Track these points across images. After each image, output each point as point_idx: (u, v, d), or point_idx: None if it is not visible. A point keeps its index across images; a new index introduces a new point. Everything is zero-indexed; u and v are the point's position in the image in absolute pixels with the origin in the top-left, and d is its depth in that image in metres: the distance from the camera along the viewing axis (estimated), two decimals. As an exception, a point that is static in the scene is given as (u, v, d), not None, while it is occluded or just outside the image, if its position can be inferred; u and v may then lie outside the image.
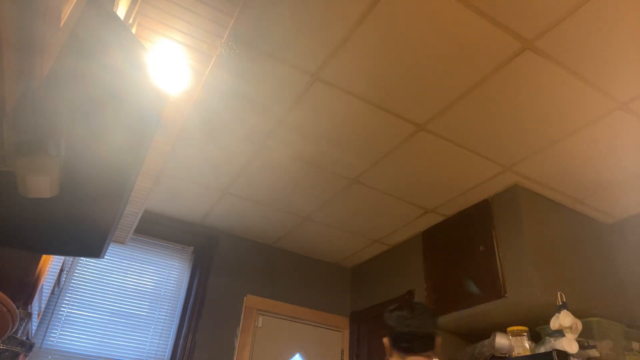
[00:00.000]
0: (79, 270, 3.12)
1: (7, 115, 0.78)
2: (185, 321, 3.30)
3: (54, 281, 2.54)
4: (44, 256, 1.57)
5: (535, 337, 2.59)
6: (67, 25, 0.82)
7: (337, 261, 4.15)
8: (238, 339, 3.40)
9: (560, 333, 2.33)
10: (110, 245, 3.17)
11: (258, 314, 3.59)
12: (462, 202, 3.03)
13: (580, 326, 2.28)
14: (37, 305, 2.01)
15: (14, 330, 1.20)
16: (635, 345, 2.49)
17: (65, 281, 3.02)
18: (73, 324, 2.97)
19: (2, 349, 1.52)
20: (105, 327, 3.06)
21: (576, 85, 2.08)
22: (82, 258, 3.12)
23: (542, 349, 2.37)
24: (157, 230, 3.49)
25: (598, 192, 2.79)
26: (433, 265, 3.18)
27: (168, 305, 3.34)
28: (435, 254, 3.21)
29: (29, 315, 1.71)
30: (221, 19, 1.88)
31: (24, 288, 1.50)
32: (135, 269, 3.33)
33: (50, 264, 1.90)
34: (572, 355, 2.21)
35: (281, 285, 3.81)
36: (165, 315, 3.31)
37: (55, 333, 2.89)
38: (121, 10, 1.46)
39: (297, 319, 3.74)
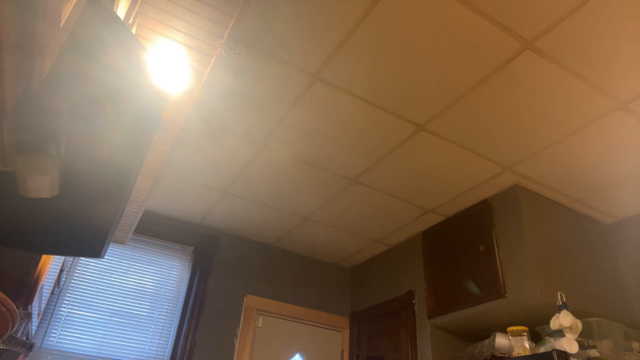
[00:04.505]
0: (79, 270, 3.12)
1: (7, 115, 0.78)
2: (185, 321, 3.30)
3: (54, 281, 2.54)
4: (44, 256, 1.57)
5: (535, 337, 2.59)
6: (67, 25, 0.82)
7: (337, 261, 4.15)
8: (238, 339, 3.40)
9: (560, 333, 2.33)
10: (110, 245, 3.18)
11: (258, 314, 3.59)
12: (462, 202, 3.03)
13: (580, 326, 2.28)
14: (37, 305, 2.01)
15: (14, 330, 1.20)
16: (635, 345, 2.50)
17: (65, 281, 3.02)
18: (73, 324, 2.97)
19: (2, 349, 1.53)
20: (105, 327, 3.06)
21: (576, 85, 2.08)
22: (82, 258, 3.12)
23: (542, 349, 2.37)
24: (157, 230, 3.49)
25: (598, 192, 2.80)
26: (433, 265, 3.18)
27: (168, 305, 3.34)
28: (435, 254, 3.21)
29: (29, 315, 1.71)
30: (221, 19, 1.88)
31: (24, 288, 1.50)
32: (135, 269, 3.33)
33: (50, 264, 1.90)
34: (572, 355, 2.21)
35: (281, 285, 3.81)
36: (165, 315, 3.31)
37: (55, 333, 2.89)
38: (121, 10, 1.46)
39: (297, 319, 3.74)
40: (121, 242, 2.97)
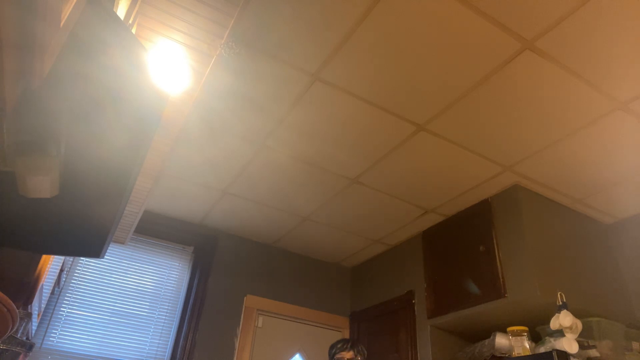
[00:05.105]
0: (79, 270, 3.12)
1: (7, 116, 0.78)
2: (185, 321, 3.30)
3: (54, 281, 2.54)
4: (44, 256, 1.57)
5: (535, 337, 2.59)
6: (67, 25, 0.81)
7: (337, 261, 4.15)
8: (238, 339, 3.40)
9: (560, 333, 2.33)
10: (110, 245, 3.18)
11: (258, 314, 3.59)
12: (462, 202, 3.03)
13: (580, 326, 2.28)
14: (37, 305, 2.01)
15: (14, 330, 1.20)
16: (635, 345, 2.49)
17: (65, 281, 3.02)
18: (73, 324, 2.97)
19: (2, 349, 1.53)
20: (105, 327, 3.06)
21: (576, 85, 2.08)
22: (82, 258, 3.12)
23: (542, 349, 2.37)
24: (157, 230, 3.49)
25: (598, 192, 2.79)
26: (433, 265, 3.18)
27: (168, 305, 3.34)
28: (435, 254, 3.21)
29: (29, 315, 1.72)
30: (221, 19, 1.88)
31: (24, 288, 1.50)
32: (135, 269, 3.33)
33: (50, 264, 1.90)
34: (572, 355, 2.21)
35: (281, 285, 3.81)
36: (165, 315, 3.31)
37: (55, 333, 2.89)
38: (121, 10, 1.46)
39: (297, 319, 3.74)
40: (121, 242, 2.97)
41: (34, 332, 2.55)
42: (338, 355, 2.47)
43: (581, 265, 2.73)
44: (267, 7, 1.85)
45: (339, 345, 2.51)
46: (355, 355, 2.43)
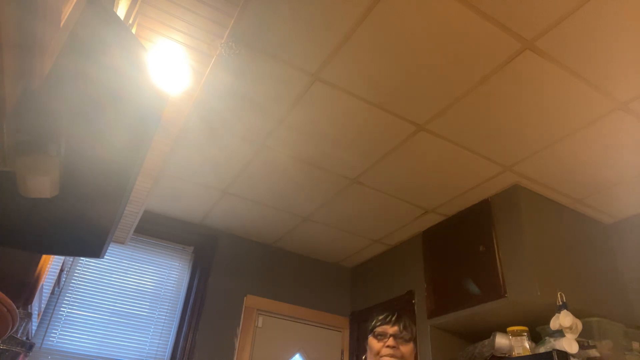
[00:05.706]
0: (79, 270, 3.12)
1: (7, 116, 0.78)
2: (185, 321, 3.30)
3: (54, 281, 2.54)
4: (44, 256, 1.57)
5: (535, 337, 2.59)
6: (67, 25, 0.81)
7: (337, 261, 4.15)
8: (238, 339, 3.40)
9: (560, 333, 2.33)
10: (110, 245, 3.17)
11: (258, 314, 3.59)
12: (462, 202, 3.03)
13: (580, 326, 2.28)
14: (37, 305, 2.01)
15: (14, 330, 1.20)
16: (635, 345, 2.50)
17: (65, 281, 3.02)
18: (73, 324, 2.97)
19: (2, 349, 1.53)
20: (105, 327, 3.06)
21: (576, 85, 2.08)
22: (82, 258, 3.12)
23: (542, 349, 2.37)
24: (157, 230, 3.49)
25: (598, 192, 2.79)
26: (433, 265, 3.18)
27: (168, 305, 3.34)
28: (435, 254, 3.21)
29: (29, 315, 1.72)
30: (221, 19, 1.88)
31: (24, 288, 1.50)
32: (135, 269, 3.33)
33: (50, 264, 1.90)
34: (572, 355, 2.21)
35: (281, 285, 3.81)
36: (165, 315, 3.31)
37: (55, 333, 2.89)
38: (121, 10, 1.46)
39: (297, 319, 3.74)
40: (121, 242, 2.97)
41: (34, 332, 2.55)
42: (379, 329, 1.98)
43: (581, 265, 2.73)
44: (267, 7, 1.85)
45: (380, 317, 2.03)
46: (401, 331, 1.92)
